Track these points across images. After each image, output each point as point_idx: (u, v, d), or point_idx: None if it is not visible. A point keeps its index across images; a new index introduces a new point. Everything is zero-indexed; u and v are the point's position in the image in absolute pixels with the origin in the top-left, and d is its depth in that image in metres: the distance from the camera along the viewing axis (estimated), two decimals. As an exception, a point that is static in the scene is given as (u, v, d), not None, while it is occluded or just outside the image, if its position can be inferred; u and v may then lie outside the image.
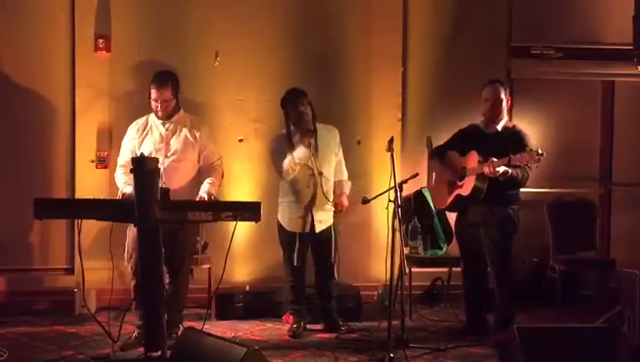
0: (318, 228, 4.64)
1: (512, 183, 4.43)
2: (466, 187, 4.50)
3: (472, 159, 4.49)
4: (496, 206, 4.49)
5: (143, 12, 5.43)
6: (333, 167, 4.73)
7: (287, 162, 4.54)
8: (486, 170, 4.30)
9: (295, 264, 4.63)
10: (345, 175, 4.84)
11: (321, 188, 4.59)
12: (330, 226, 4.71)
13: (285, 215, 4.70)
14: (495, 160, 4.28)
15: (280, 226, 4.73)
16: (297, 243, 4.61)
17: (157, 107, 4.36)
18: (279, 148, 4.63)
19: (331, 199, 4.69)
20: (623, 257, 5.50)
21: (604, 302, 5.06)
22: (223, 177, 4.56)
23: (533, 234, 5.38)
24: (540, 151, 4.12)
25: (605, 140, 6.04)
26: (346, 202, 4.77)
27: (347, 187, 4.80)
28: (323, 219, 4.66)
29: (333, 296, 4.84)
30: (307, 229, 4.62)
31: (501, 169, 4.28)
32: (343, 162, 4.85)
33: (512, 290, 4.57)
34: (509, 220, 4.53)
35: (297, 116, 4.56)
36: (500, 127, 4.59)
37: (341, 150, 4.82)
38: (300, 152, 4.52)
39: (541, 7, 5.80)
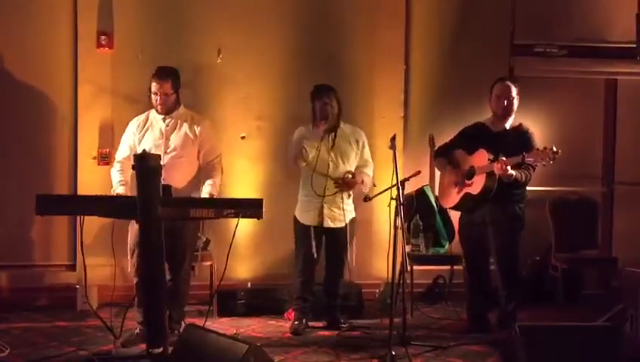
0: (328, 223, 4.63)
1: (517, 184, 4.43)
2: (476, 186, 4.49)
3: (481, 157, 4.48)
4: (505, 204, 4.48)
5: (146, 8, 5.43)
6: (353, 166, 4.69)
7: (296, 144, 4.59)
8: (497, 168, 4.29)
9: (315, 256, 4.63)
10: (369, 173, 4.75)
11: (332, 183, 4.59)
12: (346, 225, 4.69)
13: (300, 207, 4.72)
14: (505, 158, 4.27)
15: (295, 219, 4.74)
16: (313, 235, 4.61)
17: (157, 100, 4.36)
18: (298, 135, 4.69)
19: (347, 199, 4.69)
20: (626, 256, 5.48)
21: (607, 300, 5.06)
22: (222, 175, 4.55)
23: (536, 233, 5.36)
24: (554, 149, 4.10)
25: (608, 138, 6.03)
26: (357, 179, 4.63)
27: (366, 177, 4.69)
28: (333, 215, 4.64)
29: (340, 294, 4.84)
30: (316, 223, 4.62)
31: (509, 170, 4.26)
32: (370, 164, 4.77)
33: (516, 289, 4.57)
34: (518, 218, 4.54)
35: (320, 107, 4.60)
36: (508, 126, 4.58)
37: (367, 153, 4.77)
38: (310, 135, 4.56)
39: (544, 5, 5.79)
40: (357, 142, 4.73)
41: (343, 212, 4.66)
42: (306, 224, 4.67)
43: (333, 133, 4.62)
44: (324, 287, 4.83)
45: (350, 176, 4.63)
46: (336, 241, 4.71)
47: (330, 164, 4.60)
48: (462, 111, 5.19)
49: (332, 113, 4.61)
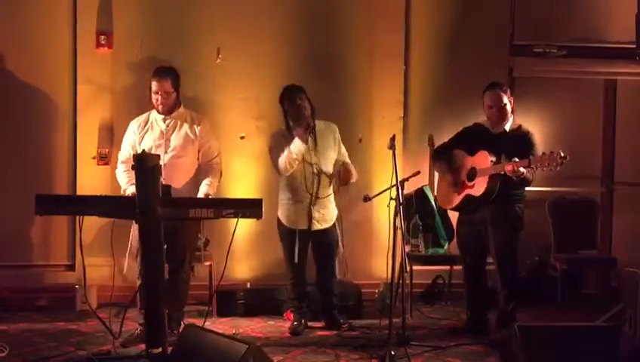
0: (317, 226, 4.62)
1: (523, 183, 4.43)
2: (478, 187, 4.47)
3: (483, 159, 4.46)
4: (505, 205, 4.48)
5: (145, 8, 5.43)
6: (334, 163, 4.70)
7: (284, 157, 4.51)
8: (508, 168, 4.27)
9: (296, 261, 4.62)
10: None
11: (319, 185, 4.58)
12: (334, 224, 4.69)
13: (284, 212, 4.68)
14: (517, 160, 4.26)
15: (279, 223, 4.72)
16: (297, 240, 4.60)
17: (157, 100, 4.36)
18: (278, 143, 4.61)
19: (332, 197, 4.68)
20: (625, 256, 5.49)
21: (606, 300, 5.06)
22: (221, 176, 4.55)
23: (535, 233, 5.37)
24: (562, 154, 4.09)
25: (607, 139, 6.03)
26: (351, 169, 4.62)
27: (351, 166, 4.68)
28: (322, 217, 4.64)
29: (335, 293, 4.83)
30: (305, 226, 4.61)
31: (521, 169, 4.26)
32: (346, 156, 4.76)
33: (515, 289, 4.57)
34: (517, 218, 4.53)
35: (295, 110, 4.55)
36: (507, 128, 4.58)
37: (342, 146, 4.77)
38: (296, 146, 4.48)
39: (544, 6, 5.79)
40: (334, 137, 4.70)
41: (330, 211, 4.67)
42: (292, 228, 4.64)
43: (312, 134, 4.56)
44: (318, 288, 4.81)
45: (344, 166, 4.60)
46: (324, 241, 4.69)
47: (314, 165, 4.58)
48: (461, 111, 5.19)
49: (307, 115, 4.55)
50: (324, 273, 4.77)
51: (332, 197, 4.70)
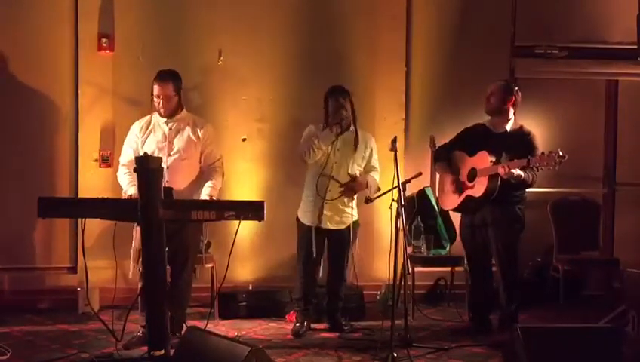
0: (327, 224, 4.62)
1: (522, 185, 4.43)
2: (478, 188, 4.48)
3: (483, 159, 4.47)
4: (506, 206, 4.49)
5: (147, 11, 5.43)
6: (358, 171, 4.67)
7: (307, 140, 4.58)
8: (501, 171, 4.28)
9: (314, 255, 4.62)
10: (376, 179, 4.74)
11: (331, 185, 4.59)
12: (348, 227, 4.68)
13: (302, 208, 4.72)
14: (509, 162, 4.26)
15: (297, 219, 4.74)
16: (314, 235, 4.61)
17: (159, 103, 4.36)
18: (308, 132, 4.67)
19: (348, 201, 4.68)
20: (627, 257, 5.48)
21: (608, 302, 5.06)
22: (223, 178, 4.55)
23: (537, 234, 5.37)
24: (561, 154, 4.10)
25: (609, 140, 6.04)
26: (360, 180, 4.65)
27: (371, 180, 4.70)
28: (335, 217, 4.63)
29: (341, 297, 4.84)
30: (316, 223, 4.61)
31: (516, 171, 4.26)
32: (376, 171, 4.75)
33: (517, 290, 4.57)
34: (518, 219, 4.54)
35: (336, 108, 4.59)
36: (508, 128, 4.58)
37: (374, 159, 4.75)
38: (324, 134, 4.55)
39: (545, 7, 5.80)
40: (365, 147, 4.72)
41: (345, 214, 4.66)
42: (307, 224, 4.68)
43: (343, 136, 4.60)
44: (327, 289, 4.82)
45: (354, 178, 4.62)
46: (337, 243, 4.71)
47: (335, 165, 4.60)
48: (463, 112, 5.20)
49: (346, 115, 4.59)
50: (333, 275, 4.77)
51: (352, 202, 4.69)
